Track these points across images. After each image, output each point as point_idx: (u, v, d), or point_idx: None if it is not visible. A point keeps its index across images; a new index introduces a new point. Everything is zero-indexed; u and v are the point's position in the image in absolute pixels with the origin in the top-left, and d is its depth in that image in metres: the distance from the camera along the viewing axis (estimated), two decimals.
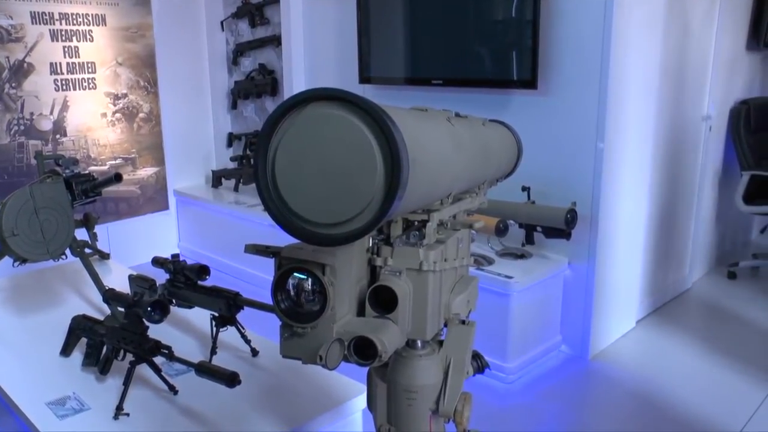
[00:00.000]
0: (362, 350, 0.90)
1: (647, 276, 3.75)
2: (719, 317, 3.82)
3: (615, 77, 3.01)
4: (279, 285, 0.90)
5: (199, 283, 1.84)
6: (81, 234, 2.25)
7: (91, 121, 4.43)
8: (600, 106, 3.04)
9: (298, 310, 0.90)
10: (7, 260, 2.03)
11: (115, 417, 1.57)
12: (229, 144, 5.15)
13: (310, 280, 0.89)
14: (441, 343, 1.12)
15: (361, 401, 1.66)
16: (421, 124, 0.90)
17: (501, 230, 3.02)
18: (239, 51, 4.93)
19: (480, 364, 1.20)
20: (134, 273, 2.01)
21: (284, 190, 0.76)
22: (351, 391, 1.68)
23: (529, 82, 3.17)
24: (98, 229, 2.60)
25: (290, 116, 0.76)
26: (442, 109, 1.12)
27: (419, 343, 1.07)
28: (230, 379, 1.42)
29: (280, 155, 0.76)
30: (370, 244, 1.00)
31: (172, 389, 1.67)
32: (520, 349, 3.10)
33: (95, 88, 4.40)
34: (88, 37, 4.31)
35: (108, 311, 2.02)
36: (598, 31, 2.98)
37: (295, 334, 0.92)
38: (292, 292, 0.91)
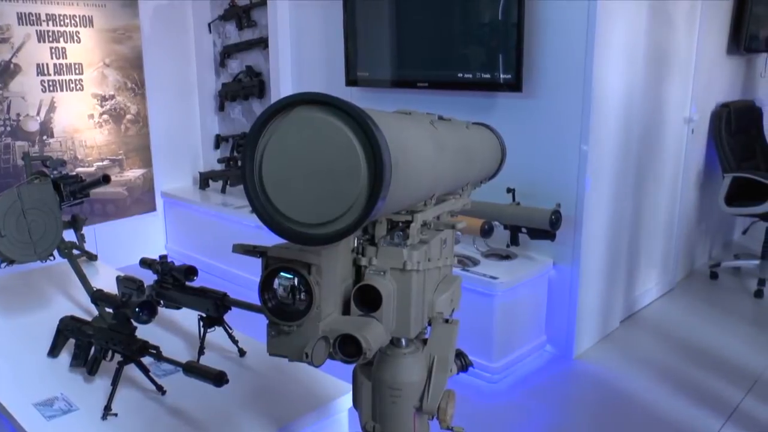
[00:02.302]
0: (347, 348, 0.92)
1: (631, 277, 3.79)
2: (701, 317, 3.87)
3: (598, 80, 3.06)
4: (266, 284, 0.92)
5: (187, 284, 1.86)
6: (68, 235, 2.26)
7: (78, 123, 4.42)
8: (584, 109, 3.08)
9: (284, 308, 0.92)
10: None
11: (103, 417, 1.58)
12: (217, 146, 5.15)
13: (296, 279, 0.91)
14: (425, 341, 1.14)
15: (347, 400, 1.68)
16: (404, 127, 0.92)
17: (486, 231, 3.05)
18: (226, 53, 4.94)
19: (463, 363, 1.22)
20: (122, 274, 2.02)
21: (271, 191, 0.78)
22: (337, 391, 1.70)
23: (514, 84, 3.20)
24: (85, 230, 2.59)
25: (276, 119, 0.78)
26: (425, 112, 1.15)
27: (403, 342, 1.09)
28: (218, 379, 1.43)
29: (266, 157, 0.78)
30: (355, 245, 1.02)
31: (160, 389, 1.68)
32: (505, 349, 3.13)
33: (82, 90, 4.40)
34: (75, 38, 4.30)
35: (95, 312, 2.02)
36: (581, 34, 3.02)
37: (282, 333, 0.93)
38: (278, 291, 0.93)
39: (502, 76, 3.26)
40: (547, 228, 3.05)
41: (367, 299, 0.99)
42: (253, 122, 0.79)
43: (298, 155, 0.77)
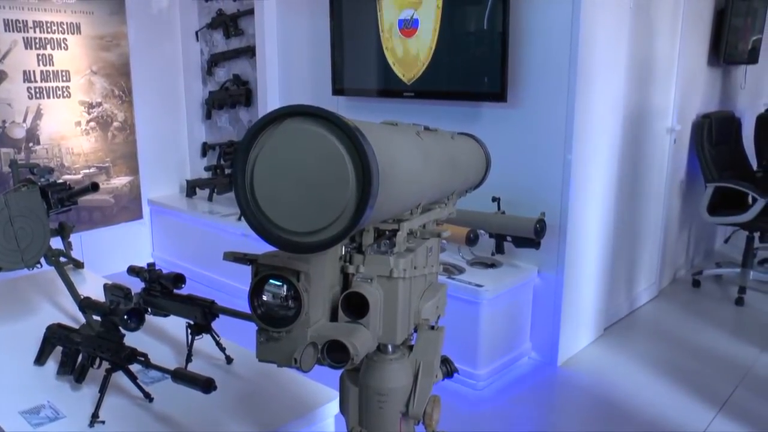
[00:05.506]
0: (335, 353, 0.94)
1: (615, 284, 3.83)
2: (684, 324, 3.92)
3: (582, 90, 3.10)
4: (255, 291, 0.94)
5: (175, 291, 1.86)
6: (55, 243, 2.25)
7: (65, 130, 4.41)
8: (568, 119, 3.12)
9: (273, 315, 0.94)
10: None
11: (91, 425, 1.57)
12: (204, 154, 5.15)
13: (285, 286, 0.93)
14: (411, 347, 1.16)
15: (333, 407, 1.69)
16: (391, 138, 0.95)
17: (471, 240, 3.07)
18: (214, 61, 4.95)
19: (449, 369, 1.25)
20: (109, 282, 2.02)
21: (262, 201, 0.81)
22: (324, 397, 1.71)
23: (499, 94, 3.24)
24: (72, 237, 2.59)
25: (267, 131, 0.81)
26: (411, 123, 1.17)
27: (390, 348, 1.11)
28: (206, 385, 1.44)
29: (258, 168, 0.80)
30: (343, 253, 1.04)
31: (148, 397, 1.68)
32: (491, 356, 3.15)
33: (69, 97, 4.39)
34: (62, 45, 4.29)
35: (82, 320, 2.02)
36: (565, 44, 3.07)
37: (271, 339, 0.95)
38: (267, 298, 0.95)
39: (486, 86, 3.29)
40: (531, 236, 3.08)
41: (355, 306, 1.01)
42: (245, 134, 0.81)
43: (288, 166, 0.79)
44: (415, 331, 1.16)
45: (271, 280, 0.93)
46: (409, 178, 0.98)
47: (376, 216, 0.85)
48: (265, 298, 0.94)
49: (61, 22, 4.27)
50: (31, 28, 4.13)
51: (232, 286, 4.14)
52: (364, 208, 0.77)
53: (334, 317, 1.01)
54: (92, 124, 4.54)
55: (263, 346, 0.96)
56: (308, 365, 0.93)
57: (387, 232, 1.06)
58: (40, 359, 1.88)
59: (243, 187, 0.82)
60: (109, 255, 4.39)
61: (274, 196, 0.80)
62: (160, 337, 2.08)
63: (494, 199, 3.22)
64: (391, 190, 0.86)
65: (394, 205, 0.94)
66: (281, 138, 0.79)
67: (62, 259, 2.29)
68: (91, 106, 4.51)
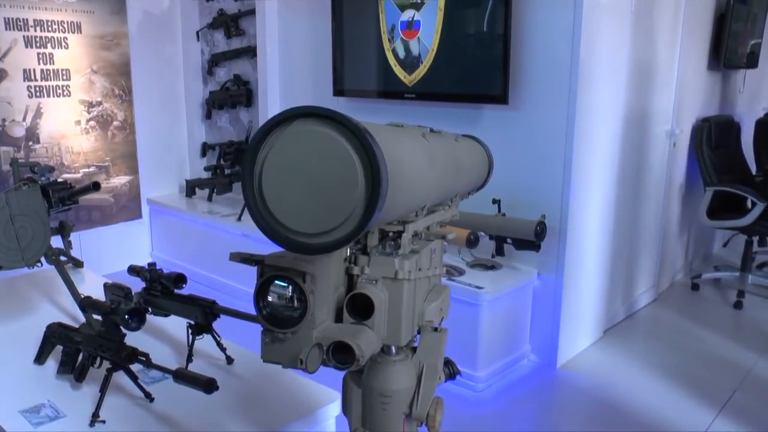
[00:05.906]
0: (340, 355, 0.94)
1: (614, 287, 3.84)
2: (683, 327, 3.93)
3: (583, 93, 3.10)
4: (261, 292, 0.94)
5: (176, 291, 1.86)
6: (55, 242, 2.25)
7: (65, 129, 4.40)
8: (569, 121, 3.12)
9: (279, 315, 0.94)
10: None
11: (91, 424, 1.57)
12: (203, 154, 5.15)
13: (290, 287, 0.93)
14: (414, 349, 1.16)
15: (334, 408, 1.69)
16: (398, 140, 0.95)
17: (472, 242, 3.08)
18: (214, 61, 4.95)
19: (451, 371, 1.24)
20: (109, 281, 2.01)
21: (270, 201, 0.80)
22: (325, 398, 1.71)
23: (500, 97, 3.24)
24: (71, 237, 2.59)
25: (276, 132, 0.80)
26: (417, 125, 1.17)
27: (394, 349, 1.11)
28: (208, 386, 1.43)
29: (266, 168, 0.80)
30: (348, 254, 1.04)
31: (149, 396, 1.68)
32: (490, 358, 3.15)
33: (69, 96, 4.38)
34: (63, 44, 4.29)
35: (82, 319, 2.01)
36: (567, 47, 3.07)
37: (276, 340, 0.95)
38: (272, 299, 0.94)
39: (488, 88, 3.29)
40: (532, 239, 3.08)
41: (360, 307, 1.00)
42: (254, 134, 0.81)
43: (297, 167, 0.79)
44: (419, 332, 1.16)
45: (276, 281, 0.93)
46: (416, 180, 0.98)
47: (382, 218, 0.85)
48: (270, 298, 0.94)
49: (62, 21, 4.27)
50: (31, 26, 4.13)
51: (231, 286, 4.13)
52: (373, 210, 0.77)
53: (338, 318, 1.01)
54: (92, 123, 4.53)
55: (268, 347, 0.96)
56: (314, 366, 0.93)
57: (392, 234, 1.06)
58: (40, 358, 1.88)
59: (251, 188, 0.81)
60: (108, 254, 4.38)
61: (283, 197, 0.80)
62: (161, 337, 2.08)
63: (495, 201, 3.22)
64: (399, 193, 0.86)
65: (400, 207, 0.94)
66: (290, 139, 0.79)
67: (62, 258, 2.29)
68: (91, 105, 4.51)
